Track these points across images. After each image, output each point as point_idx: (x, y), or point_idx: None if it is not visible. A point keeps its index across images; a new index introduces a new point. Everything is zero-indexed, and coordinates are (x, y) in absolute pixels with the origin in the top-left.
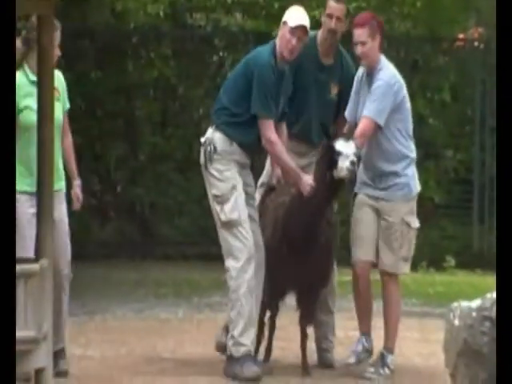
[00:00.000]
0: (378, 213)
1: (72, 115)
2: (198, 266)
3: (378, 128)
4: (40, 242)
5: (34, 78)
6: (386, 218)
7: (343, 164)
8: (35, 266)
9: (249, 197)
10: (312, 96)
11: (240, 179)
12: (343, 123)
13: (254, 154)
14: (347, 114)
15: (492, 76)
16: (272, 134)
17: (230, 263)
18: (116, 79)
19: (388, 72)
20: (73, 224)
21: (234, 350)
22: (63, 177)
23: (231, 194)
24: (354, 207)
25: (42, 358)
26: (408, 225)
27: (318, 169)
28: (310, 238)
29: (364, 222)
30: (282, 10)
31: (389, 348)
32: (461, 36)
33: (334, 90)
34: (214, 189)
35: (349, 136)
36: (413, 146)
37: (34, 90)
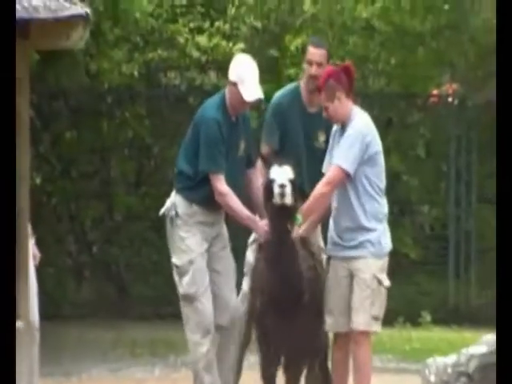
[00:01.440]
0: (350, 275)
1: (47, 176)
2: (174, 324)
3: (346, 176)
4: (16, 304)
5: None
6: (358, 275)
7: (276, 190)
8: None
9: (220, 252)
10: (300, 145)
11: (202, 244)
12: None
13: (218, 211)
14: (324, 169)
15: (467, 131)
16: (222, 186)
17: (187, 335)
18: (91, 139)
19: (359, 122)
20: (48, 284)
21: None
22: None
23: (189, 267)
24: (328, 274)
25: None
26: (379, 282)
27: (264, 201)
28: (292, 289)
29: (338, 291)
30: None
31: None
32: (435, 92)
33: (322, 138)
34: (175, 257)
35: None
36: (385, 202)
37: None
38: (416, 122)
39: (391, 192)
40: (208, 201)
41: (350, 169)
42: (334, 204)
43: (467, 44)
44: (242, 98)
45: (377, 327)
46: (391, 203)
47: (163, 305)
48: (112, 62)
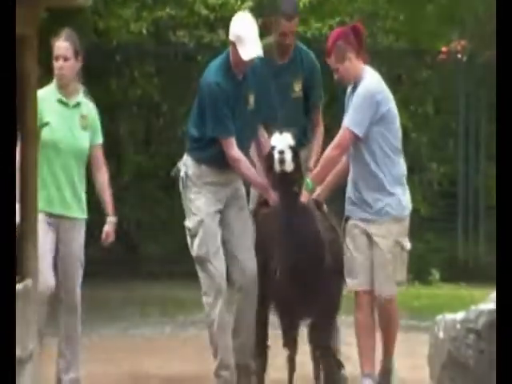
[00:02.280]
0: (370, 237)
1: None
2: (184, 284)
3: (356, 139)
4: (24, 262)
5: (60, 96)
6: (379, 242)
7: (276, 156)
8: (19, 287)
9: (237, 213)
10: (275, 100)
11: (212, 205)
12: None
13: (229, 171)
14: None
15: (476, 88)
16: (233, 151)
17: (203, 298)
18: (99, 98)
19: (369, 82)
20: None
21: (215, 381)
22: (84, 207)
23: (199, 228)
24: (346, 233)
25: (26, 379)
26: (402, 247)
27: (266, 170)
28: (312, 253)
29: (357, 250)
30: (264, 25)
31: (387, 369)
32: (444, 49)
33: (297, 87)
34: (187, 220)
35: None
36: (402, 162)
37: (58, 108)
38: (425, 79)
39: None
40: (217, 160)
41: (359, 130)
42: (351, 166)
43: (476, 0)
44: (240, 56)
45: (399, 289)
46: None
47: (173, 264)
48: (120, 21)
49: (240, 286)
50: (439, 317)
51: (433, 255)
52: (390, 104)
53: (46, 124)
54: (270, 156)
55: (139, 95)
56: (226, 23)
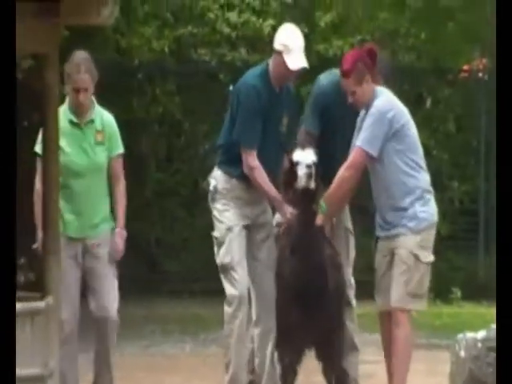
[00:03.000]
0: (392, 254)
1: None
2: (204, 301)
3: (368, 157)
4: (46, 278)
5: (71, 117)
6: (396, 253)
7: (301, 172)
8: (41, 304)
9: (263, 241)
10: (340, 128)
11: (240, 219)
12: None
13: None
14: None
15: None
16: (251, 159)
17: (225, 307)
18: (121, 116)
19: (381, 100)
20: None
21: None
22: (109, 220)
23: (226, 236)
24: (376, 253)
25: None
26: (417, 258)
27: (284, 186)
28: (318, 278)
29: (379, 271)
30: None
31: None
32: (465, 67)
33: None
34: (215, 230)
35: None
36: (424, 176)
37: (69, 130)
38: (446, 97)
39: None
40: (247, 176)
41: (372, 149)
42: (372, 185)
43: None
44: (286, 66)
45: (416, 305)
46: None
47: (194, 281)
48: (142, 39)
49: (260, 317)
50: (460, 335)
51: (454, 273)
52: (404, 119)
53: (62, 148)
54: (291, 171)
55: (161, 113)
56: (247, 41)
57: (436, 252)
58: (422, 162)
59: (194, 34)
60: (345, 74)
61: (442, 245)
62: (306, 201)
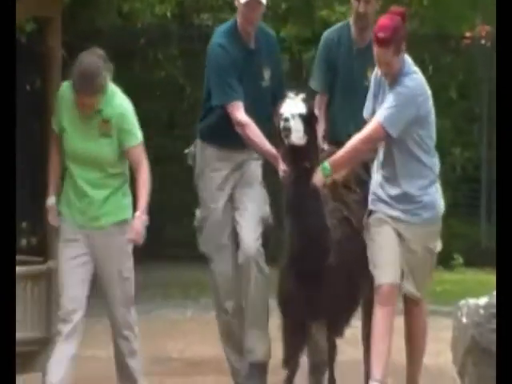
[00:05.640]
0: (399, 235)
1: None
2: (206, 266)
3: (386, 137)
4: (47, 243)
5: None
6: (408, 245)
7: (281, 126)
8: (42, 267)
9: (243, 189)
10: (350, 83)
11: (220, 201)
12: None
13: (239, 151)
14: (364, 114)
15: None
16: (239, 115)
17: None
18: (123, 80)
19: (415, 80)
20: None
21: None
22: (117, 213)
23: (204, 223)
24: (372, 227)
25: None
26: (431, 252)
27: (276, 142)
28: (315, 246)
29: (388, 247)
30: (289, 10)
31: None
32: (468, 34)
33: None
34: (196, 212)
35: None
36: (436, 161)
37: (74, 112)
38: (448, 64)
39: None
40: (225, 140)
41: (393, 130)
42: (380, 158)
43: None
44: (241, 6)
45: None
46: None
47: (195, 247)
48: (145, 3)
49: (239, 264)
50: (462, 302)
51: (456, 240)
52: (430, 104)
53: (64, 130)
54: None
55: (163, 77)
56: None
57: None
58: (433, 146)
59: None
60: (383, 43)
61: (445, 211)
62: (295, 158)
